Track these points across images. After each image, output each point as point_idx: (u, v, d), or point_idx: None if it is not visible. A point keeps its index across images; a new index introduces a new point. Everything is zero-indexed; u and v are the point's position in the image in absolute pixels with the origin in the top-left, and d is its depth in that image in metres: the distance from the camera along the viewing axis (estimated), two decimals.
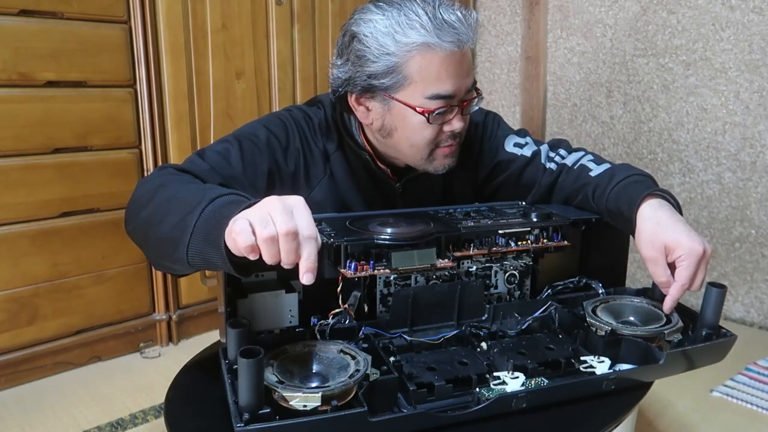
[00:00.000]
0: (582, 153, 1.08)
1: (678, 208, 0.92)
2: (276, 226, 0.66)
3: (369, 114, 0.99)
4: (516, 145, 1.11)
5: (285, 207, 0.68)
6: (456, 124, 0.96)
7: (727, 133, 2.11)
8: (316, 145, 1.03)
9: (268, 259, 0.67)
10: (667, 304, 0.85)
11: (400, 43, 0.90)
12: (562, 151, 1.09)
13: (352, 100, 0.99)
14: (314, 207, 1.01)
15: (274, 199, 0.69)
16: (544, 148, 1.11)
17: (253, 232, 0.66)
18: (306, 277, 0.67)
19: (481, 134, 1.13)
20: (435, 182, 1.11)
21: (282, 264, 0.67)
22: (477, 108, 1.01)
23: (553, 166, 1.08)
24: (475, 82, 0.97)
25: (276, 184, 0.99)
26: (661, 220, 0.86)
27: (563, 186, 1.06)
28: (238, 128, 1.02)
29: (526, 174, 1.10)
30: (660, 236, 0.85)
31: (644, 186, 0.92)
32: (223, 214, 0.70)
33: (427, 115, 0.93)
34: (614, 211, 0.94)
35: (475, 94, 0.98)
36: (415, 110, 0.93)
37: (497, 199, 1.16)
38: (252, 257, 0.67)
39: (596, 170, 1.02)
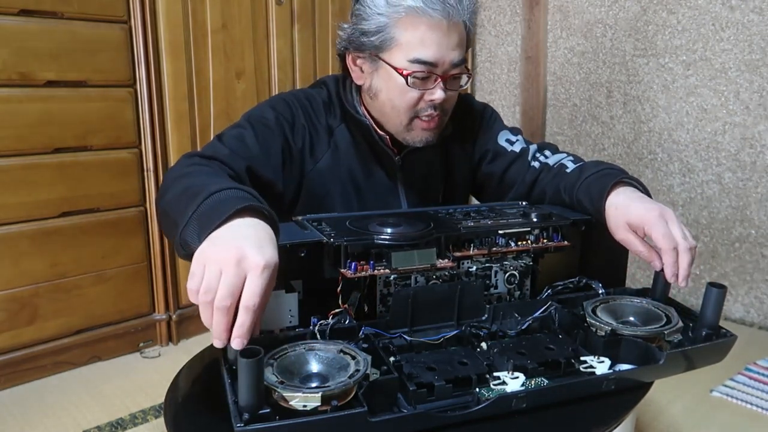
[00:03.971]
0: (564, 155, 1.13)
1: (645, 191, 0.96)
2: (216, 294, 0.65)
3: (362, 75, 1.05)
4: (507, 140, 1.17)
5: (237, 272, 0.64)
6: (436, 94, 0.99)
7: (727, 133, 2.11)
8: (319, 122, 1.08)
9: (203, 319, 0.67)
10: (668, 272, 0.86)
11: (391, 5, 0.96)
12: (547, 152, 1.14)
13: (349, 60, 1.06)
14: (319, 178, 1.06)
15: (234, 255, 0.65)
16: (532, 147, 1.16)
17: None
18: (235, 342, 0.65)
19: (479, 121, 1.20)
20: (434, 158, 1.15)
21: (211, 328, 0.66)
22: (465, 86, 1.05)
23: (536, 164, 1.13)
24: (465, 61, 1.01)
25: (288, 159, 1.04)
26: (620, 203, 0.92)
27: (542, 183, 1.11)
28: (247, 112, 1.06)
29: (512, 169, 1.15)
30: (621, 218, 0.90)
31: (611, 177, 0.96)
32: (216, 212, 0.71)
33: (406, 77, 0.97)
34: (584, 203, 0.98)
35: (464, 72, 1.02)
36: (397, 71, 0.98)
37: (483, 190, 1.22)
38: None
39: (571, 167, 1.07)
